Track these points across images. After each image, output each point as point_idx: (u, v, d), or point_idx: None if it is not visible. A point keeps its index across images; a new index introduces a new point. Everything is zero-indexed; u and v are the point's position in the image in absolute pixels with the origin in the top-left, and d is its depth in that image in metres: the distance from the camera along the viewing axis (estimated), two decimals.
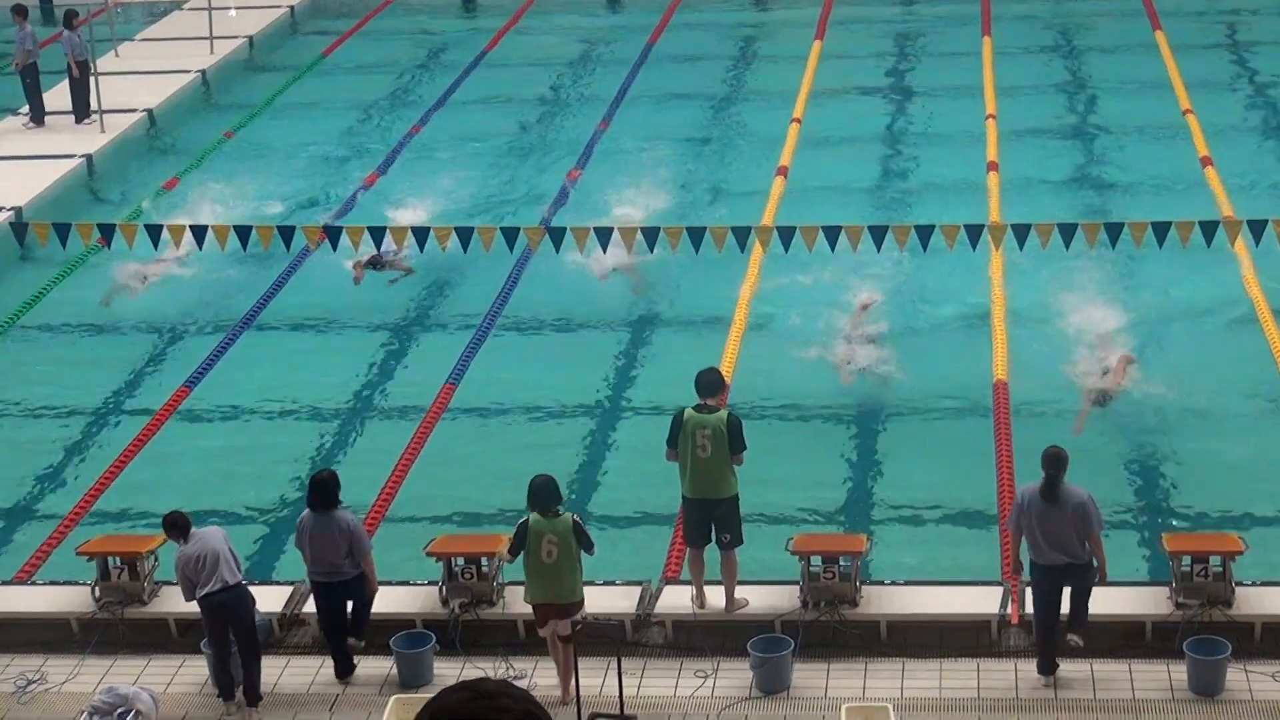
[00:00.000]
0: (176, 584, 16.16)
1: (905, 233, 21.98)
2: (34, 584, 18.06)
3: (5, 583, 18.15)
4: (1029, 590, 16.07)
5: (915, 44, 37.09)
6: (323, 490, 16.22)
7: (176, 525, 15.76)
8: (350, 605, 16.45)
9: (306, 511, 16.34)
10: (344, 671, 16.39)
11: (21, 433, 22.08)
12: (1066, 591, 15.74)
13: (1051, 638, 15.75)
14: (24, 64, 32.90)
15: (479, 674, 15.96)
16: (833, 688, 15.77)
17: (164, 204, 28.98)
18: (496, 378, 22.57)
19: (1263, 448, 20.19)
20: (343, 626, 16.44)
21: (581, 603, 15.85)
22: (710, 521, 16.70)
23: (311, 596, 16.73)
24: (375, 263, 25.33)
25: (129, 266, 25.42)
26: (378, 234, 22.44)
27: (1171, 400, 21.02)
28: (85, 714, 14.60)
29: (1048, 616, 15.73)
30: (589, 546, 15.79)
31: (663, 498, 18.52)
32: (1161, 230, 21.09)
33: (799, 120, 31.88)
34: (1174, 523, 18.62)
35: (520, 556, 15.84)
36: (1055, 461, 15.60)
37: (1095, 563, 15.70)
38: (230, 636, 15.66)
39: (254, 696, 15.71)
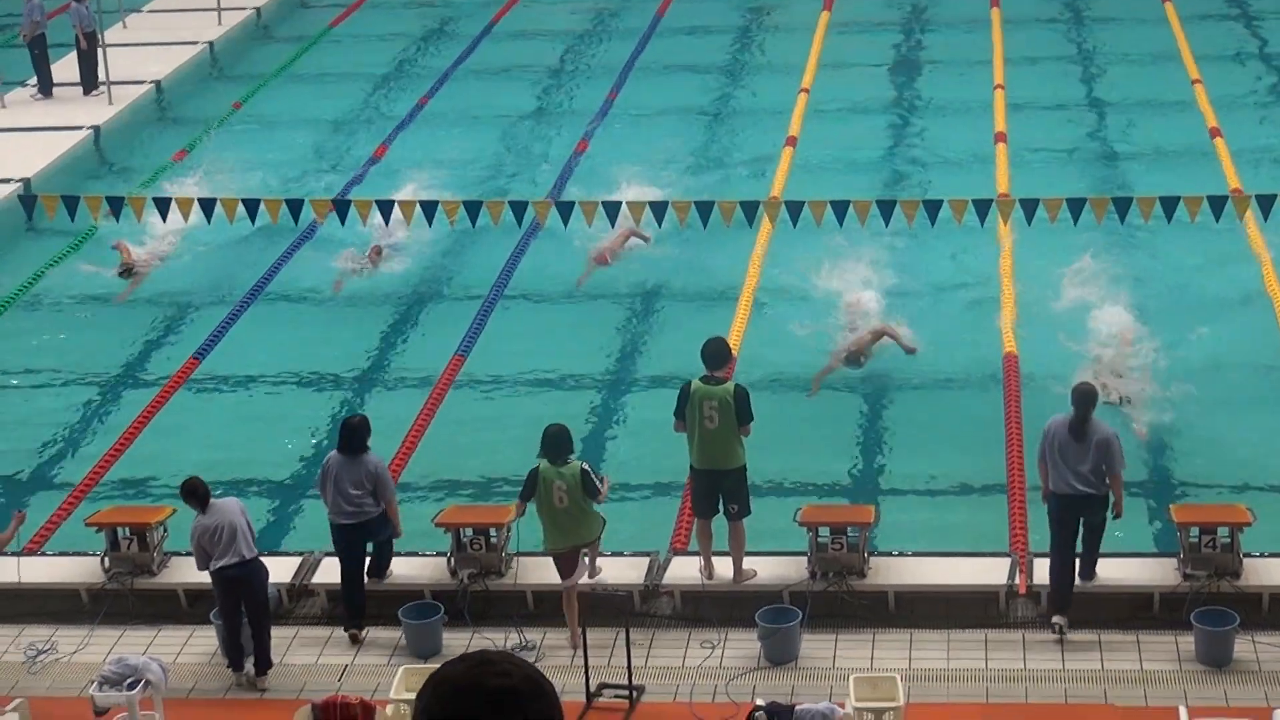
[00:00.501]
0: (187, 554, 16.23)
1: (914, 207, 21.99)
2: (44, 555, 18.10)
3: (15, 554, 18.16)
4: (1038, 558, 16.15)
5: (923, 14, 37.01)
6: (354, 434, 16.54)
7: (195, 493, 15.74)
8: (371, 548, 16.74)
9: (333, 453, 16.62)
10: (355, 624, 16.52)
11: (30, 404, 22.12)
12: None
13: (1068, 572, 15.96)
14: (32, 35, 32.91)
15: (487, 645, 16.06)
16: (840, 658, 15.80)
17: (172, 176, 29.01)
18: (505, 349, 22.58)
19: (1272, 419, 20.19)
20: (359, 574, 16.63)
21: (599, 540, 16.33)
22: (718, 492, 16.73)
23: (319, 564, 16.98)
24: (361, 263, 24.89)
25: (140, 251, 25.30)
26: (386, 207, 22.45)
27: (1181, 372, 21.01)
28: (95, 684, 14.64)
29: (1063, 548, 15.98)
30: (594, 494, 16.11)
31: (671, 469, 18.55)
32: (1170, 205, 21.09)
33: (807, 91, 31.84)
34: (1182, 494, 18.63)
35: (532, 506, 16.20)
36: (1084, 398, 15.99)
37: (1112, 499, 15.97)
38: (241, 609, 15.71)
39: (264, 665, 15.77)
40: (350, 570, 16.60)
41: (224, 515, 15.57)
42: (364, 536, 16.60)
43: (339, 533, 16.58)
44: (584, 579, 16.51)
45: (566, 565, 16.26)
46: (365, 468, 16.42)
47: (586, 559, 16.42)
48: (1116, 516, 16.18)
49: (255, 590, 15.71)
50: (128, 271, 24.95)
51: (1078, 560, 16.13)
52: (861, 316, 22.01)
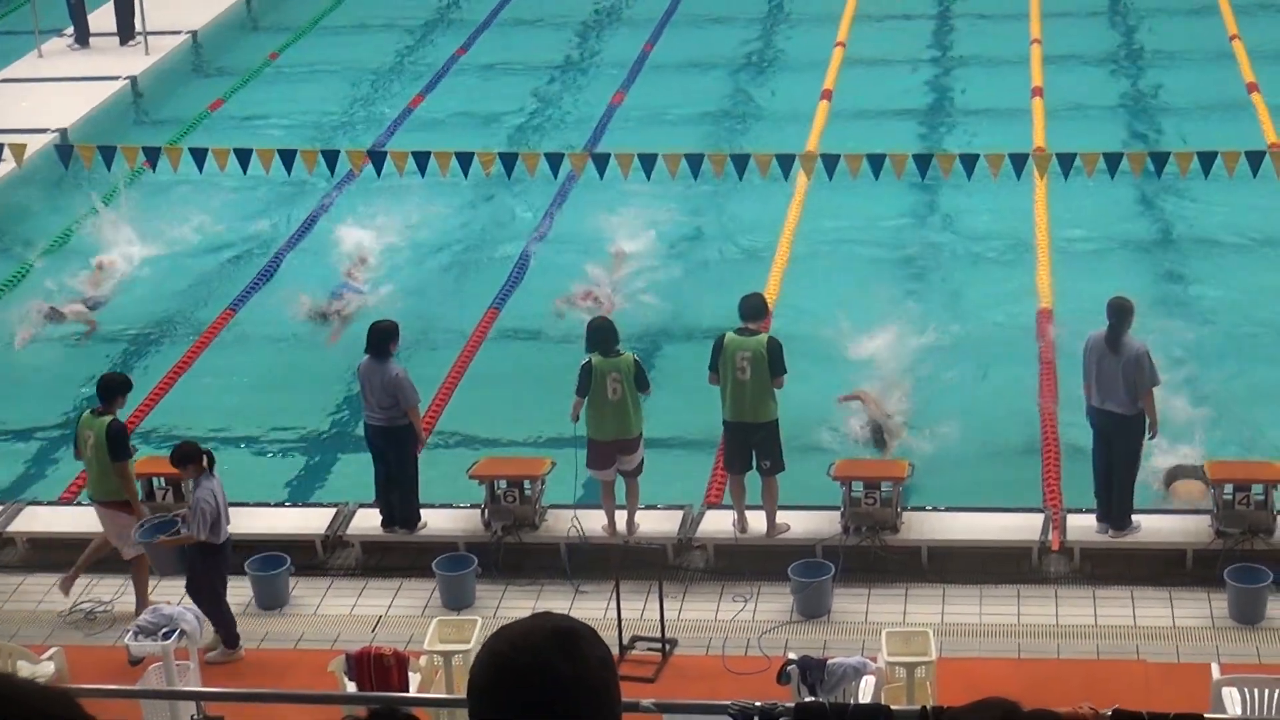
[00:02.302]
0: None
1: (949, 161, 21.90)
2: (78, 505, 18.15)
3: (50, 503, 18.28)
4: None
5: None
6: (375, 336, 16.93)
7: (192, 458, 15.53)
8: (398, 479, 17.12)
9: (366, 357, 16.95)
10: (389, 527, 17.07)
11: (64, 355, 22.15)
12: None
13: (1107, 485, 16.35)
14: None
15: (520, 596, 16.12)
16: (873, 613, 15.81)
17: (208, 126, 29.02)
18: (538, 302, 22.55)
19: None
20: (392, 478, 17.03)
21: (641, 437, 16.71)
22: (750, 447, 16.73)
23: (353, 515, 17.39)
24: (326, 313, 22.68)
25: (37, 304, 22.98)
26: (421, 158, 22.39)
27: (1215, 328, 20.95)
28: (130, 634, 14.70)
29: (1100, 462, 16.39)
30: (646, 386, 16.69)
31: (704, 423, 18.53)
32: (1207, 159, 20.96)
33: (843, 44, 31.68)
34: (1216, 451, 18.55)
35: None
36: (1117, 311, 16.25)
37: (1147, 420, 16.25)
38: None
39: (233, 642, 15.71)
40: (380, 473, 17.12)
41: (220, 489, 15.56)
42: (395, 442, 16.92)
43: (369, 432, 17.10)
44: (619, 530, 16.77)
45: (603, 458, 16.66)
46: (386, 375, 16.74)
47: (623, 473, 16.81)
48: (1151, 437, 16.39)
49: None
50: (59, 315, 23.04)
51: (1111, 501, 16.40)
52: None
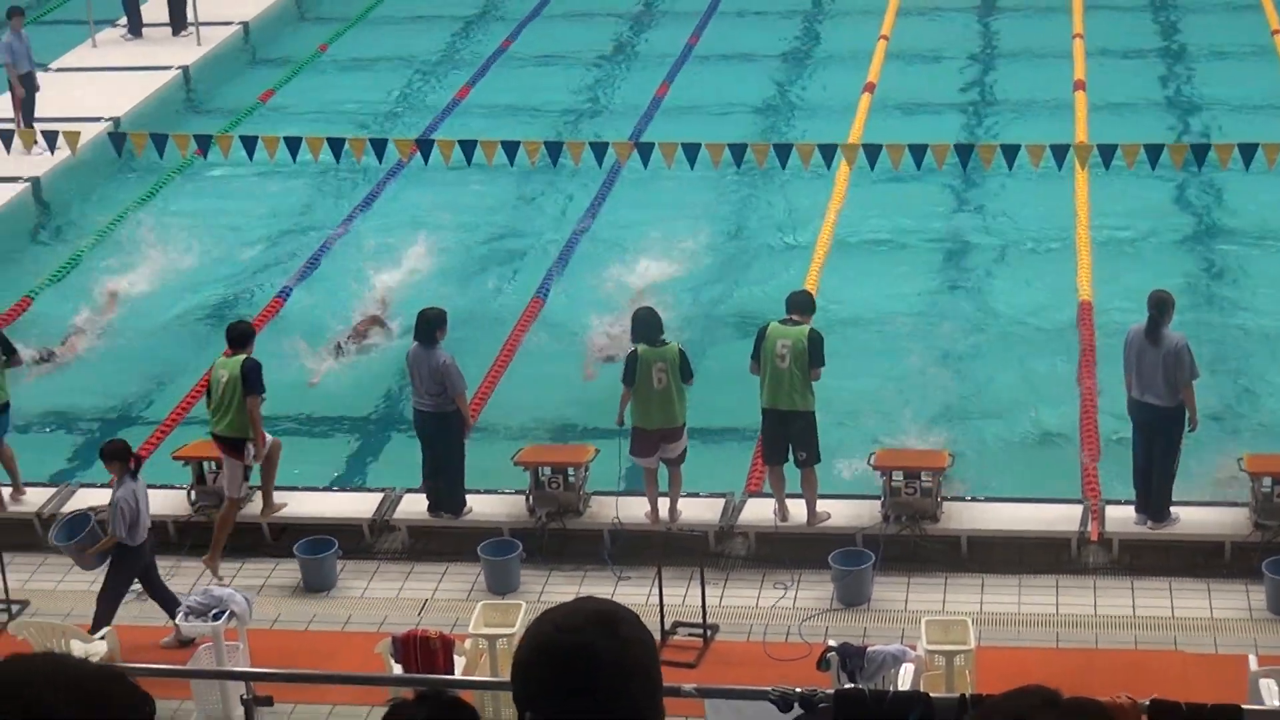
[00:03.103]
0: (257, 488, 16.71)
1: (990, 151, 21.86)
2: None
3: (105, 485, 18.36)
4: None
5: None
6: (424, 324, 17.06)
7: (119, 456, 15.63)
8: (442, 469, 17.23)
9: (414, 344, 17.08)
10: (434, 512, 17.22)
11: (120, 341, 22.26)
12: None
13: (1141, 479, 16.34)
14: None
15: (564, 581, 16.17)
16: (913, 601, 15.82)
17: (259, 116, 29.14)
18: (586, 289, 22.58)
19: None
20: (438, 464, 17.14)
21: (685, 426, 16.82)
22: (787, 439, 16.74)
23: (400, 500, 17.55)
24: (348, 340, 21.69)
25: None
26: (468, 148, 22.44)
27: (1253, 322, 20.87)
28: (181, 614, 14.80)
29: (1140, 456, 16.35)
30: (689, 375, 16.75)
31: (746, 411, 18.55)
32: (1248, 152, 20.88)
33: (886, 38, 31.63)
34: (1255, 444, 18.47)
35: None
36: (1158, 304, 16.19)
37: (1187, 413, 16.17)
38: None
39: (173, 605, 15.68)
40: (427, 458, 17.22)
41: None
42: (442, 428, 17.03)
43: (417, 418, 17.23)
44: (663, 517, 16.83)
45: (647, 446, 16.74)
46: (433, 362, 16.85)
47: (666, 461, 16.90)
48: (1192, 429, 16.31)
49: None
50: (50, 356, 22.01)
51: (1151, 493, 16.35)
52: None
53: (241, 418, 16.82)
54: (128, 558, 15.49)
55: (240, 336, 17.26)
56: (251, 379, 16.80)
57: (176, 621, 14.92)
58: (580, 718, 3.88)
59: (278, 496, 17.50)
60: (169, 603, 15.52)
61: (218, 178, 26.65)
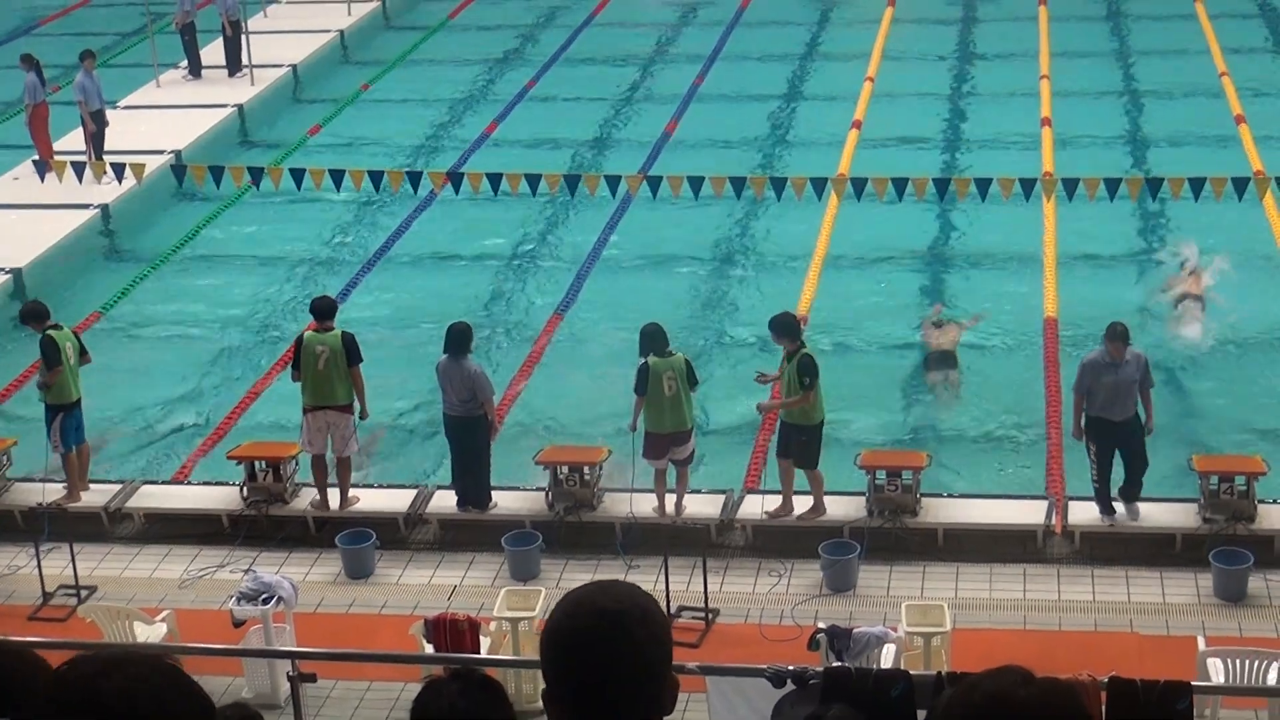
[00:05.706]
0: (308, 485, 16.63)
1: (965, 184, 21.86)
2: (189, 484, 18.30)
3: (165, 482, 18.40)
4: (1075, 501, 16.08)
5: (976, 11, 36.64)
6: (454, 338, 16.97)
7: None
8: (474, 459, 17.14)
9: (444, 356, 16.98)
10: (462, 508, 17.12)
11: (181, 351, 22.26)
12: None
13: (1108, 485, 16.29)
14: (183, 23, 33.04)
15: (579, 567, 16.14)
16: (894, 588, 15.79)
17: (306, 149, 29.16)
18: (600, 307, 22.57)
19: None
20: (465, 465, 17.05)
21: (694, 429, 16.86)
22: (792, 442, 16.72)
23: (432, 495, 17.48)
24: None
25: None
26: (494, 179, 22.42)
27: (1209, 331, 20.85)
28: (233, 599, 14.78)
29: (1107, 465, 16.24)
30: (695, 382, 16.84)
31: (743, 415, 18.54)
32: (1197, 185, 20.87)
33: (872, 79, 31.60)
34: (1204, 445, 18.44)
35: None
36: (1123, 335, 16.05)
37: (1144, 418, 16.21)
38: None
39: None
40: (461, 459, 17.11)
41: None
42: (472, 432, 16.94)
43: (448, 422, 17.13)
44: (669, 512, 16.79)
45: (659, 448, 16.69)
46: (464, 372, 16.76)
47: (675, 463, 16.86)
48: (1148, 434, 16.25)
49: None
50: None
51: (1124, 486, 16.36)
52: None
53: (347, 386, 17.03)
54: None
55: (329, 308, 17.38)
56: (353, 349, 17.02)
57: (229, 606, 14.87)
58: (599, 691, 3.82)
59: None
60: None
61: (268, 205, 26.63)
